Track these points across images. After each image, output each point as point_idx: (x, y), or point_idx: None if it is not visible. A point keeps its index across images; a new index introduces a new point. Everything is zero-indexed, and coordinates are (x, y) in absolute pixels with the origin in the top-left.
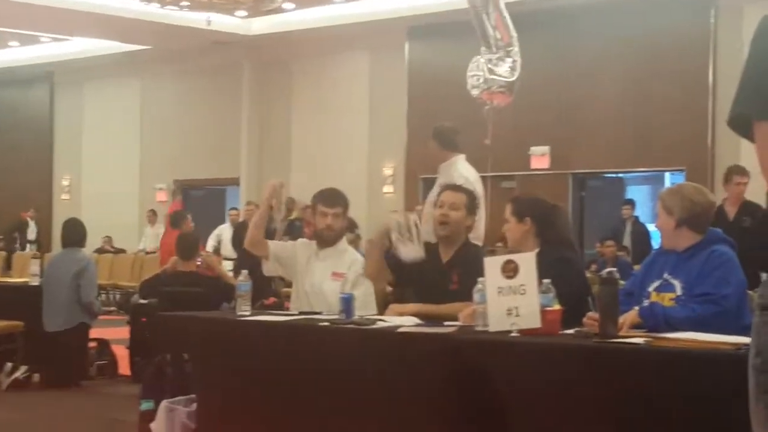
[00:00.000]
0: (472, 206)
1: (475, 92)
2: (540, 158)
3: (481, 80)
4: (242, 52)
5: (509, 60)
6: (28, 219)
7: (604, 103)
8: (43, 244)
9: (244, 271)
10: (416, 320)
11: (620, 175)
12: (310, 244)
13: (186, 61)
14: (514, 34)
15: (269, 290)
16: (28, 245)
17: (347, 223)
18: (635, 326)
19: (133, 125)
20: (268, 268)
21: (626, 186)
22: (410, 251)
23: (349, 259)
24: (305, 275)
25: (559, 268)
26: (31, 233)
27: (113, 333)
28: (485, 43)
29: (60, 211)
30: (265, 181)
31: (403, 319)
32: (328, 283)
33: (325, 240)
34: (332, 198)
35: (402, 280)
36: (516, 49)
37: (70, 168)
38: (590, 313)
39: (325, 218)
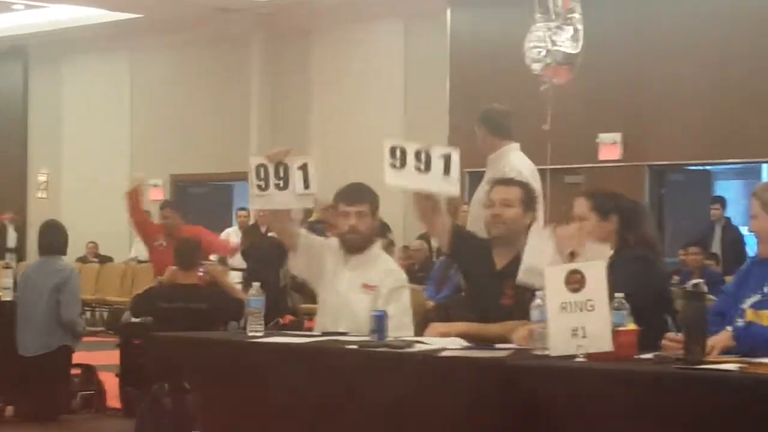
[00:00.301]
0: (529, 201)
1: (536, 67)
2: (610, 147)
3: (544, 53)
4: (251, 20)
5: (569, 29)
6: (6, 223)
7: (687, 82)
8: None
9: (256, 284)
10: (462, 342)
11: (707, 167)
12: (339, 249)
13: (184, 33)
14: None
15: (285, 307)
16: (6, 254)
17: (377, 225)
18: (727, 350)
19: (122, 110)
20: (296, 264)
21: (714, 181)
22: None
23: (383, 268)
24: (331, 286)
25: (637, 269)
26: (11, 240)
27: (100, 358)
28: (542, 8)
29: (36, 213)
30: None
31: (446, 341)
32: (357, 296)
33: (352, 245)
34: (355, 194)
35: (458, 253)
36: (578, 15)
37: (47, 161)
38: (671, 334)
39: (348, 218)
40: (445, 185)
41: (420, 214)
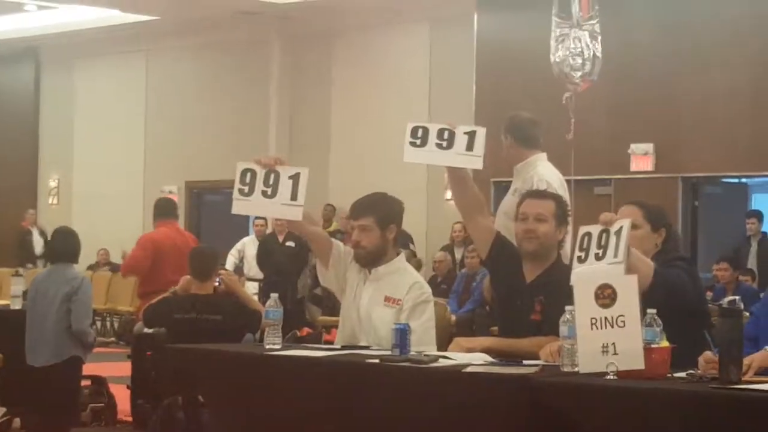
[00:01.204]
0: (562, 215)
1: (576, 75)
2: (642, 158)
3: (581, 61)
4: (271, 24)
5: (597, 36)
6: (30, 228)
7: (722, 92)
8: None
9: (274, 295)
10: (488, 358)
11: (743, 180)
12: None
13: (201, 35)
14: (596, 6)
15: (302, 318)
16: (37, 261)
17: (389, 237)
18: (763, 371)
19: (136, 114)
20: (325, 276)
21: (751, 194)
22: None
23: (407, 281)
24: (353, 299)
25: (680, 272)
26: (38, 245)
27: (111, 369)
28: (563, 12)
29: (46, 219)
30: None
31: (471, 357)
32: (379, 309)
33: (358, 260)
34: (359, 207)
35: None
36: (596, 24)
37: (58, 166)
38: (708, 354)
39: (353, 233)
40: (468, 160)
41: (462, 211)
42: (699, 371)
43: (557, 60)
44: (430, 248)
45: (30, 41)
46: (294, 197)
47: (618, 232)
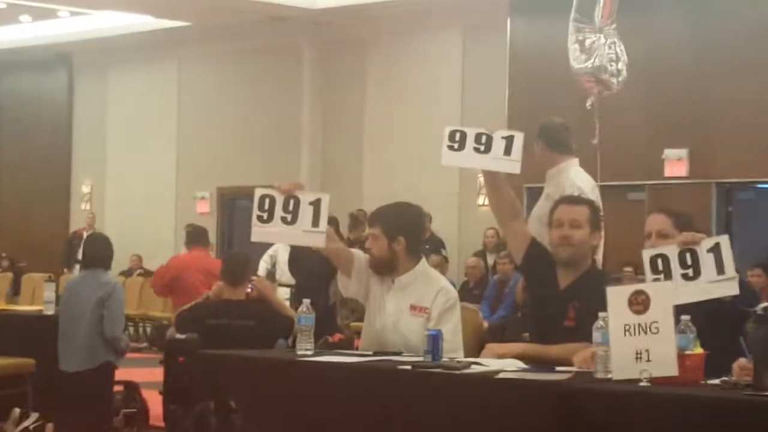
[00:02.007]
0: (596, 221)
1: (614, 82)
2: (676, 164)
3: (618, 66)
4: (304, 29)
5: (619, 41)
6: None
7: (756, 96)
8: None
9: (306, 301)
10: (520, 364)
11: None
12: None
13: (234, 41)
14: (615, 8)
15: (334, 324)
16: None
17: (396, 248)
18: None
19: (169, 120)
20: (347, 286)
21: None
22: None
23: (434, 287)
24: (377, 306)
25: None
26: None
27: (144, 375)
28: (585, 17)
29: (79, 225)
30: (330, 189)
31: (503, 363)
32: (405, 319)
33: (374, 268)
34: (373, 215)
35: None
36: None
37: (91, 172)
38: (743, 361)
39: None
40: (505, 164)
41: (498, 216)
42: (733, 378)
43: (593, 65)
44: (462, 254)
45: (63, 48)
46: (316, 224)
47: (714, 249)
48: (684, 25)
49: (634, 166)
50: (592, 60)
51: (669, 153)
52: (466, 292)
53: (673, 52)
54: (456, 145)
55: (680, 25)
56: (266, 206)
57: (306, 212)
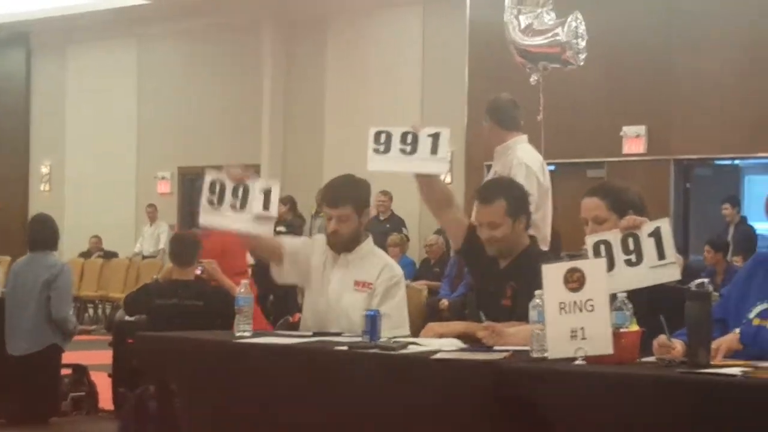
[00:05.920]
0: (517, 207)
1: (581, 59)
2: (634, 141)
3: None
4: (264, 7)
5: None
6: None
7: (715, 73)
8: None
9: (245, 282)
10: (459, 344)
11: (736, 162)
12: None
13: (193, 19)
14: None
15: (295, 305)
16: None
17: (363, 221)
18: (731, 354)
19: (128, 99)
20: (281, 273)
21: (743, 176)
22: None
23: (378, 264)
24: (320, 284)
25: None
26: None
27: (93, 357)
28: None
29: (38, 206)
30: (291, 169)
31: (442, 342)
32: (349, 294)
33: (335, 247)
34: (336, 195)
35: (468, 251)
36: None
37: (50, 152)
38: (662, 337)
39: (329, 222)
40: (432, 165)
41: (431, 208)
42: (667, 356)
43: (560, 40)
44: (422, 232)
45: (20, 26)
46: (267, 207)
47: (655, 233)
48: (643, 1)
49: (593, 144)
50: (561, 37)
51: (627, 130)
52: (426, 270)
53: (632, 30)
54: (382, 148)
55: (639, 1)
56: (216, 189)
57: (256, 199)
